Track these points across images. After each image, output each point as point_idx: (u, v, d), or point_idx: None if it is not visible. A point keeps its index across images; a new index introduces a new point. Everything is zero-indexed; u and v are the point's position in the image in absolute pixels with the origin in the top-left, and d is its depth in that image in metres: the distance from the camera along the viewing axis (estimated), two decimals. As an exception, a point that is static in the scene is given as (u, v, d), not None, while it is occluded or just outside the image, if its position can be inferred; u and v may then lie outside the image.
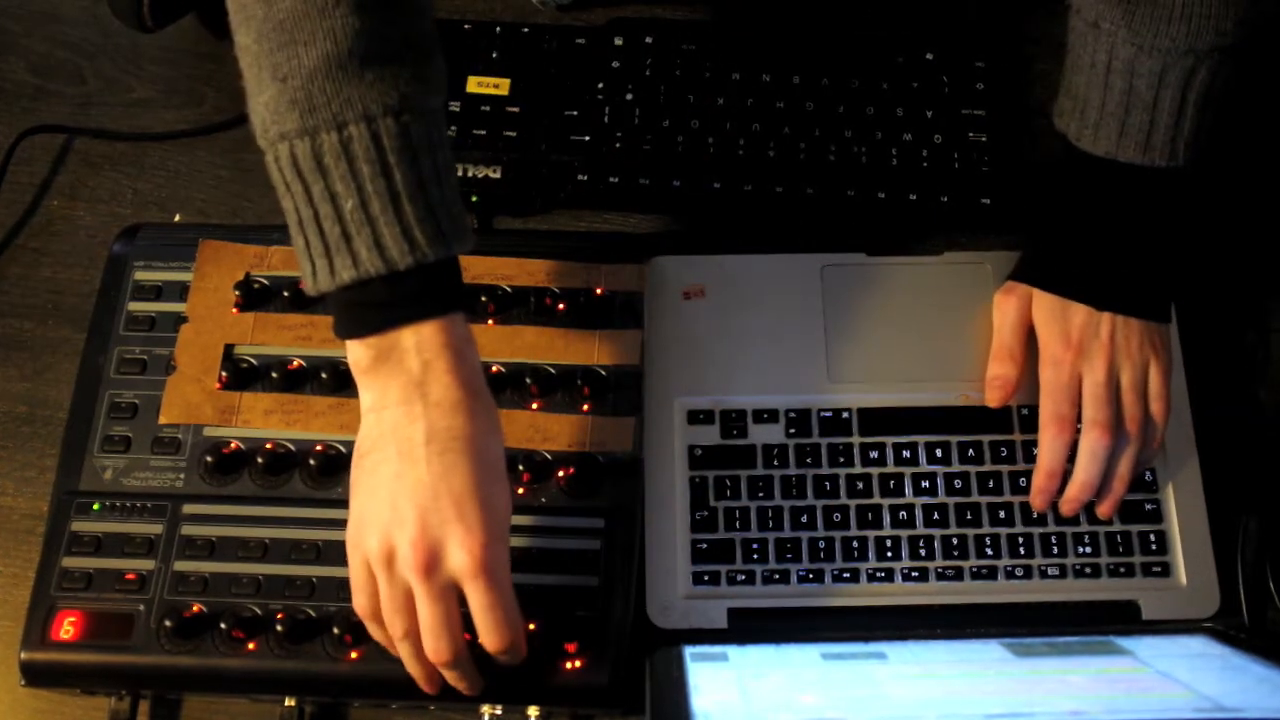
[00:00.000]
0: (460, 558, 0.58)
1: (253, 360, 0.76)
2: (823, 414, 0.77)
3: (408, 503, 0.58)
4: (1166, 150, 0.71)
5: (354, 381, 0.74)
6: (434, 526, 0.58)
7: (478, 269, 0.78)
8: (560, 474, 0.73)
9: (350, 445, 0.73)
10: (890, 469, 0.76)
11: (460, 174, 0.84)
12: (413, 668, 0.63)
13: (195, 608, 0.69)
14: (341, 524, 0.70)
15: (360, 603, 0.62)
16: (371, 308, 0.59)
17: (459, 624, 0.60)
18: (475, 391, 0.60)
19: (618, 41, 0.88)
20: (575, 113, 0.86)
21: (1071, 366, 0.73)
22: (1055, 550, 0.75)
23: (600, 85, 0.86)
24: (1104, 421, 0.72)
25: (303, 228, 0.59)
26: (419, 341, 0.59)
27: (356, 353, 0.61)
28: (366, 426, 0.62)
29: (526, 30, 0.88)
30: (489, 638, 0.61)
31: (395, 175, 0.57)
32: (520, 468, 0.72)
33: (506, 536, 0.61)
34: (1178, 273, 0.76)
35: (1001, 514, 0.75)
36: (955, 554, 0.75)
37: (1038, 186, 0.81)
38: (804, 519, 0.75)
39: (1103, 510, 0.74)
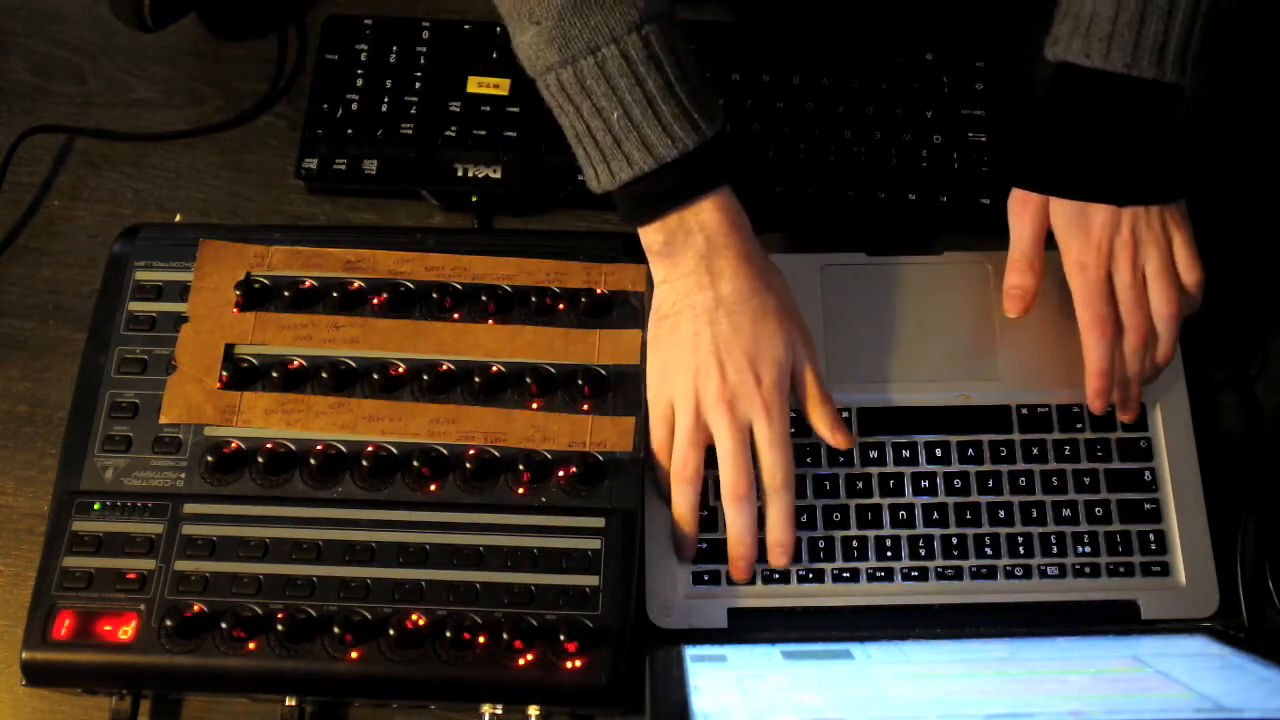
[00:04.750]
0: (750, 396, 0.70)
1: (253, 360, 0.76)
2: (823, 414, 0.77)
3: (709, 356, 0.70)
4: (1179, 65, 0.71)
5: (354, 381, 0.75)
6: (731, 375, 0.70)
7: (478, 269, 0.78)
8: (560, 474, 0.73)
9: (350, 445, 0.73)
10: (890, 469, 0.76)
11: (460, 174, 0.84)
12: (682, 514, 0.73)
13: (196, 607, 0.69)
14: (342, 524, 0.71)
15: (658, 436, 0.73)
16: (651, 198, 0.69)
17: (750, 463, 0.71)
18: (749, 256, 0.71)
19: (618, 41, 0.88)
20: (575, 113, 0.86)
21: (1098, 269, 0.73)
22: (1055, 550, 0.75)
23: (600, 85, 0.86)
24: (1139, 325, 0.74)
25: (580, 141, 0.69)
26: (699, 220, 0.70)
27: (647, 237, 0.71)
28: (662, 294, 0.73)
29: (527, 30, 0.88)
30: (770, 467, 0.71)
31: (648, 82, 0.66)
32: (520, 468, 0.72)
33: (801, 370, 0.72)
34: (1188, 152, 0.75)
35: (1001, 514, 0.76)
36: (955, 553, 0.75)
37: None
38: (804, 519, 0.75)
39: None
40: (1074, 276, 0.75)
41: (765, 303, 0.71)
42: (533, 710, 0.68)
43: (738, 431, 0.70)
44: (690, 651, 0.68)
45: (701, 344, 0.70)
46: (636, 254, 0.79)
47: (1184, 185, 0.75)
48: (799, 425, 0.77)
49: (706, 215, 0.70)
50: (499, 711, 0.69)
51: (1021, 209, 0.76)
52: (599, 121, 0.67)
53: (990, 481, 0.76)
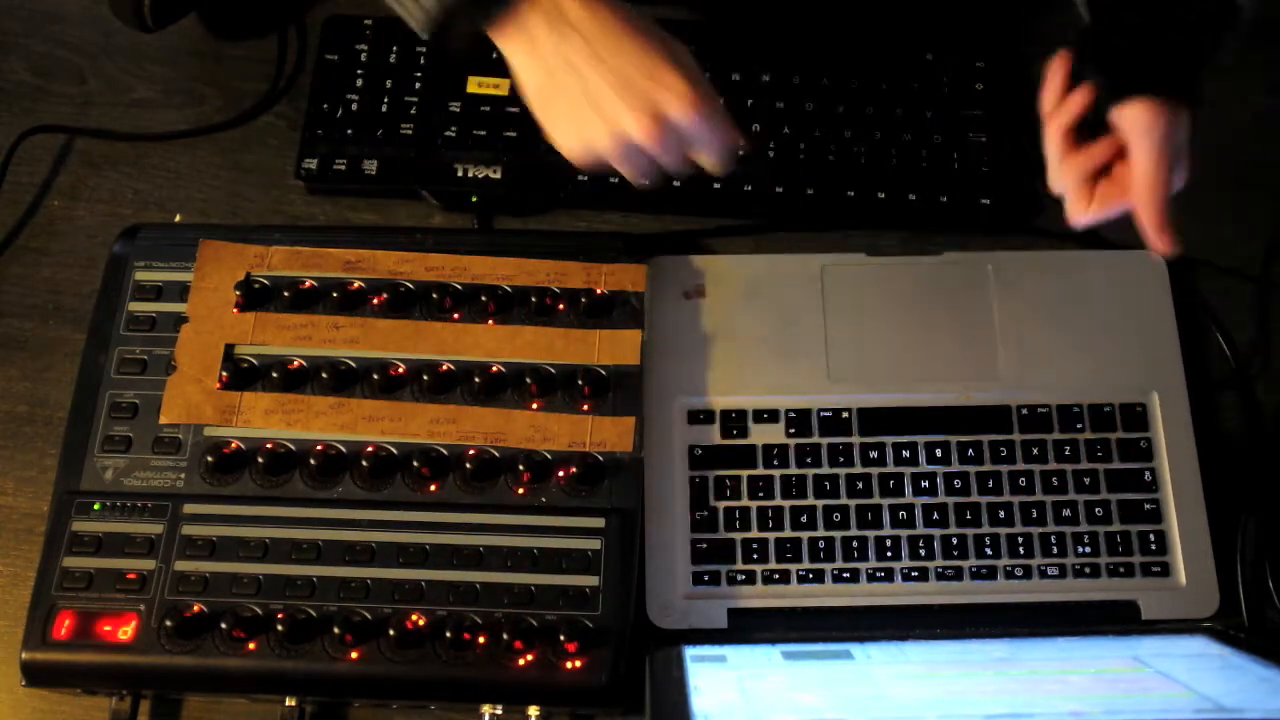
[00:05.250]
0: (677, 107, 0.66)
1: (253, 360, 0.76)
2: (823, 414, 0.77)
3: (611, 100, 0.66)
4: None
5: (354, 381, 0.75)
6: (642, 102, 0.66)
7: (478, 269, 0.78)
8: (560, 474, 0.73)
9: (350, 445, 0.73)
10: (890, 469, 0.76)
11: (460, 174, 0.84)
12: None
13: (196, 607, 0.69)
14: (342, 524, 0.71)
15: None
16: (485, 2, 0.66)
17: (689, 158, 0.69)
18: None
19: (618, 41, 0.88)
20: (575, 113, 0.86)
21: (1168, 185, 0.70)
22: (1055, 550, 0.75)
23: (600, 85, 0.86)
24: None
25: None
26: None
27: (502, 44, 0.68)
28: (529, 69, 0.68)
29: (527, 30, 0.88)
30: (721, 160, 0.69)
31: None
32: (520, 468, 0.72)
33: (695, 69, 0.68)
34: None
35: (1001, 514, 0.76)
36: (955, 554, 0.75)
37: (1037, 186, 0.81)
38: (804, 519, 0.75)
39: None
40: (1147, 190, 0.70)
41: (632, 21, 0.68)
42: (533, 710, 0.68)
43: (674, 152, 0.68)
44: (690, 652, 0.68)
45: (599, 93, 0.66)
46: (636, 254, 0.79)
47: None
48: (802, 426, 0.77)
49: None
50: (499, 712, 0.69)
51: (1142, 124, 0.69)
52: None
53: (990, 482, 0.76)
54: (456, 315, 0.77)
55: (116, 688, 0.70)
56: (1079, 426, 0.77)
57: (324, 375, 0.75)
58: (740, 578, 0.74)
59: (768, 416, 0.77)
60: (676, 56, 0.68)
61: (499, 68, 0.87)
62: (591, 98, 0.67)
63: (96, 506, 0.72)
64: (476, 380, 0.74)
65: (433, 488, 0.72)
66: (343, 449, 0.73)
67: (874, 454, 0.77)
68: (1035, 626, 0.73)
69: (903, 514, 0.76)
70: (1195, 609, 0.74)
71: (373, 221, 0.86)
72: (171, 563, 0.70)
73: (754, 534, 0.75)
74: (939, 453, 0.77)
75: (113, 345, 0.76)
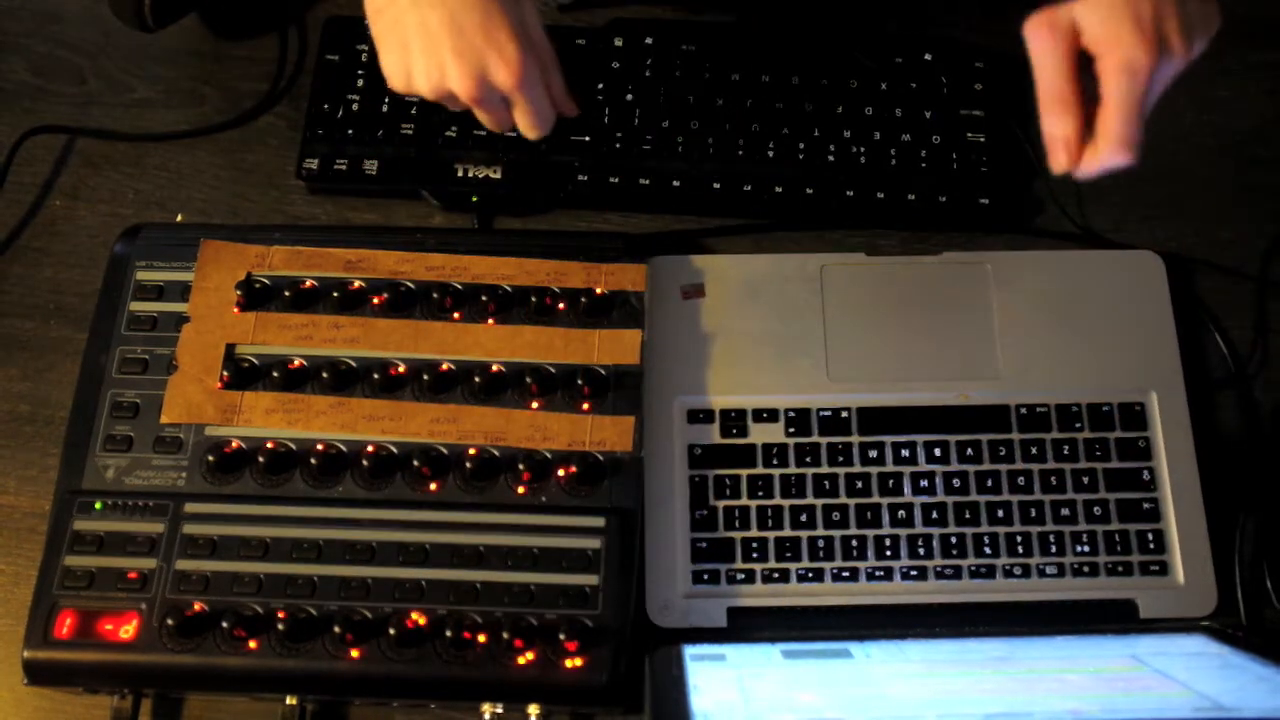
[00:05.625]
0: (501, 76, 0.66)
1: (254, 360, 0.76)
2: (822, 413, 0.78)
3: (442, 43, 0.65)
4: None
5: (355, 381, 0.75)
6: (470, 57, 0.65)
7: (478, 269, 0.78)
8: (560, 473, 0.73)
9: (351, 445, 0.73)
10: (889, 468, 0.77)
11: (460, 174, 0.84)
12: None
13: (197, 606, 0.69)
14: (342, 524, 0.71)
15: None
16: None
17: (510, 116, 0.70)
18: None
19: (618, 42, 0.88)
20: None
21: (1150, 73, 0.62)
22: (1053, 549, 0.75)
23: (600, 85, 0.86)
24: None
25: None
26: None
27: None
28: None
29: (527, 30, 0.88)
30: (531, 132, 0.71)
31: None
32: (520, 467, 0.72)
33: (535, 41, 0.68)
34: None
35: (1000, 513, 0.76)
36: (954, 553, 0.75)
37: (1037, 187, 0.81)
38: (803, 518, 0.75)
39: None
40: (1117, 83, 0.62)
41: None
42: (533, 710, 0.68)
43: (493, 113, 0.69)
44: (690, 651, 0.68)
45: (430, 33, 0.66)
46: (636, 254, 0.79)
47: None
48: (801, 425, 0.77)
49: None
50: (499, 711, 0.69)
51: (1041, 33, 0.64)
52: None
53: (989, 481, 0.76)
54: (457, 315, 0.77)
55: (118, 686, 0.70)
56: (1078, 426, 0.78)
57: (324, 375, 0.75)
58: (740, 577, 0.74)
59: (767, 416, 0.78)
60: (520, 16, 0.67)
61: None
62: (422, 38, 0.66)
63: (98, 506, 0.72)
64: (476, 380, 0.74)
65: (433, 487, 0.73)
66: (343, 448, 0.74)
67: (873, 453, 0.77)
68: (1034, 625, 0.73)
69: (902, 513, 0.76)
70: (1193, 608, 0.74)
71: (373, 221, 0.86)
72: (173, 562, 0.70)
73: (753, 533, 0.75)
74: (938, 452, 0.77)
75: (114, 345, 0.76)
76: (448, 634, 0.67)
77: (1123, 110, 0.62)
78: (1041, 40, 0.64)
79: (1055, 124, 0.64)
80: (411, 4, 0.65)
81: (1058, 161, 0.65)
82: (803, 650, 0.70)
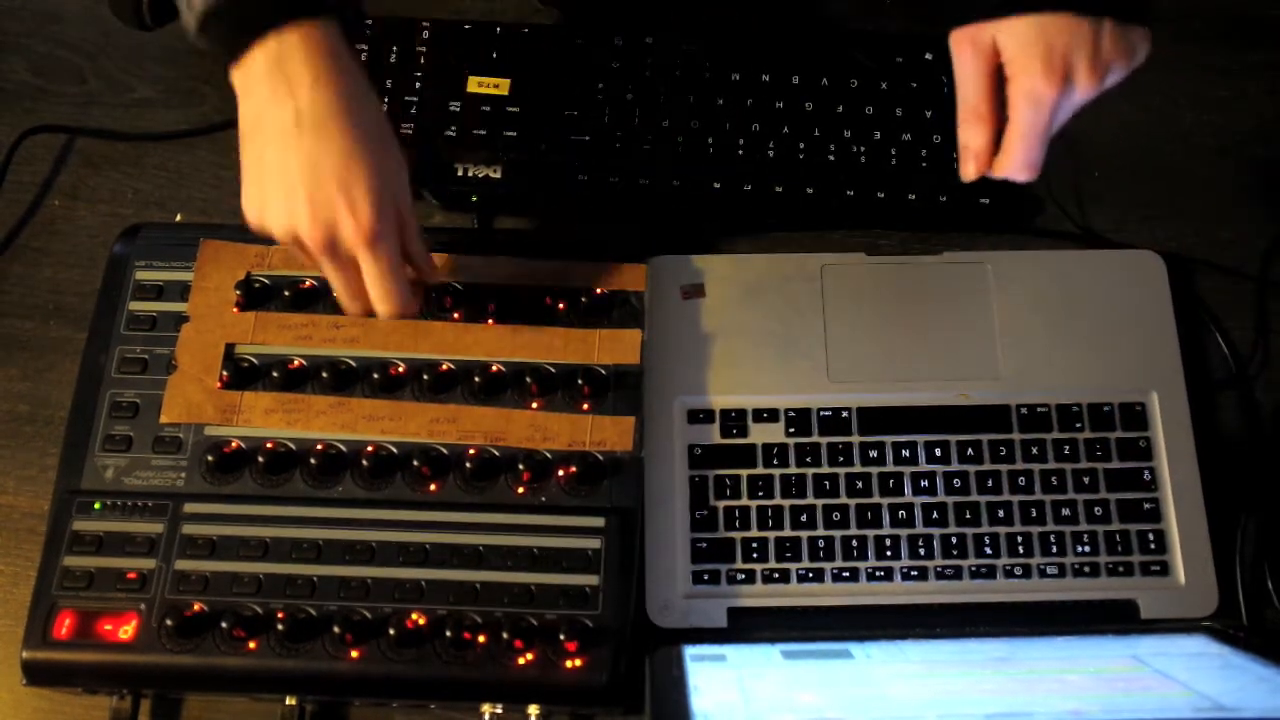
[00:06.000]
0: (350, 232, 0.63)
1: (253, 359, 0.76)
2: (822, 413, 0.78)
3: (297, 187, 0.62)
4: None
5: (354, 381, 0.75)
6: (323, 207, 0.63)
7: (478, 269, 0.78)
8: (560, 473, 0.73)
9: (351, 445, 0.73)
10: (890, 468, 0.77)
11: (460, 174, 0.84)
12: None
13: (196, 607, 0.69)
14: (342, 524, 0.71)
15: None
16: (231, 28, 0.62)
17: (363, 285, 0.66)
18: (338, 68, 0.63)
19: (618, 41, 0.88)
20: (575, 113, 0.86)
21: (1054, 104, 0.64)
22: (1054, 549, 0.75)
23: (600, 85, 0.86)
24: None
25: None
26: (281, 41, 0.62)
27: (232, 74, 0.64)
28: (242, 112, 0.64)
29: (526, 30, 0.89)
30: (379, 304, 0.66)
31: None
32: (520, 467, 0.72)
33: (399, 200, 0.65)
34: None
35: (1000, 513, 0.76)
36: (954, 553, 0.75)
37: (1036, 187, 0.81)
38: (804, 518, 0.75)
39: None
40: (1020, 111, 0.65)
41: (358, 115, 0.63)
42: (533, 710, 0.68)
43: (341, 271, 0.65)
44: (690, 651, 0.68)
45: (288, 174, 0.62)
46: (636, 254, 0.79)
47: (1149, 3, 0.66)
48: (802, 425, 0.77)
49: (290, 37, 0.62)
50: (499, 711, 0.69)
51: (963, 49, 0.66)
52: None
53: (990, 481, 0.76)
54: (456, 315, 0.77)
55: (117, 687, 0.70)
56: (1078, 426, 0.78)
57: (324, 375, 0.75)
58: (740, 577, 0.74)
59: (767, 416, 0.77)
60: (382, 173, 0.64)
61: (499, 68, 0.87)
62: (280, 177, 0.63)
63: (97, 506, 0.72)
64: (476, 380, 0.74)
65: (433, 487, 0.73)
66: (343, 448, 0.73)
67: (873, 453, 0.77)
68: (1034, 626, 0.73)
69: (902, 513, 0.76)
70: (1194, 608, 0.74)
71: (373, 221, 0.85)
72: (172, 562, 0.70)
73: (754, 533, 0.75)
74: (938, 452, 0.77)
75: (113, 345, 0.76)
76: (447, 634, 0.67)
77: (1025, 138, 0.65)
78: (963, 55, 0.66)
79: (968, 136, 0.67)
80: (277, 138, 0.62)
81: (966, 170, 0.68)
82: (803, 650, 0.69)
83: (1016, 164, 0.66)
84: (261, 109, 0.63)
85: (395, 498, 0.72)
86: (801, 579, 0.74)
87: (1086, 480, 0.76)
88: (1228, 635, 0.71)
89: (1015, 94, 0.65)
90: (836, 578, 0.74)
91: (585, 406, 0.74)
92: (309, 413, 0.74)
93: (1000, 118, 0.66)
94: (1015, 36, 0.64)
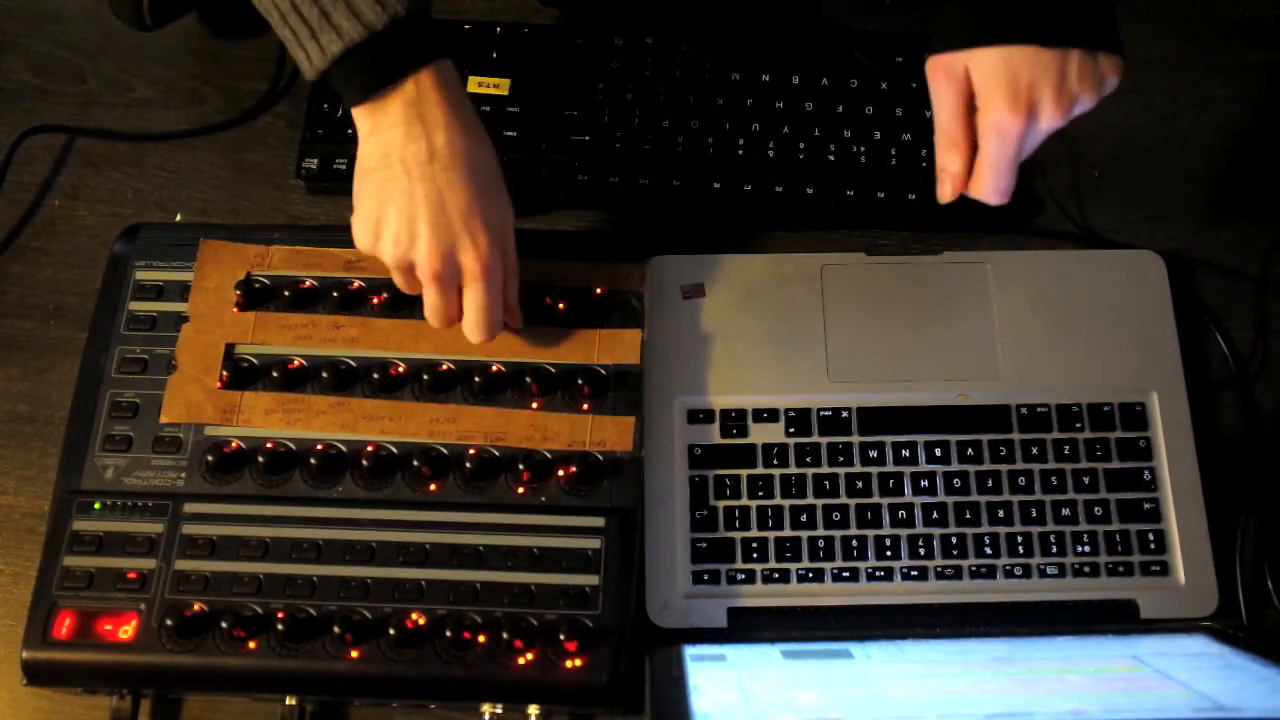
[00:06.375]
0: (469, 261, 0.67)
1: (253, 359, 0.76)
2: (822, 413, 0.78)
3: (420, 217, 0.66)
4: None
5: (354, 381, 0.75)
6: (444, 235, 0.66)
7: (478, 269, 0.78)
8: (560, 473, 0.73)
9: (350, 445, 0.73)
10: (890, 468, 0.77)
11: (461, 174, 0.84)
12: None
13: (196, 607, 0.69)
14: (342, 524, 0.71)
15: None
16: (366, 72, 0.65)
17: (458, 309, 0.70)
18: (465, 113, 0.67)
19: (618, 41, 0.88)
20: (575, 113, 0.86)
21: (1020, 135, 0.66)
22: (1054, 549, 0.75)
23: (600, 85, 0.86)
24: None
25: (286, 20, 0.65)
26: (418, 84, 0.65)
27: (357, 114, 0.67)
28: (369, 148, 0.67)
29: (526, 30, 0.89)
30: (473, 331, 0.70)
31: None
32: (520, 467, 0.72)
33: (506, 243, 0.69)
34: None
35: (1000, 513, 0.76)
36: (954, 553, 0.75)
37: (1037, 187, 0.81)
38: (804, 518, 0.75)
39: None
40: (988, 142, 0.67)
41: (483, 159, 0.68)
42: (533, 710, 0.68)
43: (442, 295, 0.68)
44: (690, 651, 0.68)
45: (414, 205, 0.66)
46: (637, 254, 0.79)
47: (1119, 31, 0.67)
48: (802, 425, 0.77)
49: (423, 80, 0.66)
50: (499, 711, 0.69)
51: (937, 77, 0.69)
52: None
53: (990, 481, 0.76)
54: (457, 315, 0.77)
55: (117, 687, 0.70)
56: (1078, 426, 0.78)
57: (324, 375, 0.75)
58: (740, 577, 0.74)
59: (767, 416, 0.77)
60: (498, 218, 0.68)
61: (499, 68, 0.87)
62: (404, 204, 0.66)
63: (97, 506, 0.72)
64: (476, 380, 0.74)
65: (433, 487, 0.73)
66: (343, 448, 0.73)
67: (873, 453, 0.77)
68: (1035, 626, 0.73)
69: (902, 513, 0.76)
70: (1194, 608, 0.74)
71: (373, 221, 0.85)
72: (172, 562, 0.70)
73: (754, 533, 0.75)
74: (938, 452, 0.77)
75: (113, 345, 0.76)
76: (447, 634, 0.67)
77: (993, 167, 0.68)
78: (937, 84, 0.69)
79: (945, 160, 0.70)
80: (404, 172, 0.66)
81: (943, 191, 0.71)
82: (803, 650, 0.69)
83: (986, 191, 0.69)
84: (392, 145, 0.66)
85: (395, 498, 0.72)
86: (801, 579, 0.74)
87: (1086, 480, 0.76)
88: (1228, 635, 0.71)
89: (983, 125, 0.67)
90: (836, 578, 0.74)
91: (585, 406, 0.74)
92: (309, 413, 0.74)
93: (975, 142, 0.69)
94: (983, 67, 0.67)
